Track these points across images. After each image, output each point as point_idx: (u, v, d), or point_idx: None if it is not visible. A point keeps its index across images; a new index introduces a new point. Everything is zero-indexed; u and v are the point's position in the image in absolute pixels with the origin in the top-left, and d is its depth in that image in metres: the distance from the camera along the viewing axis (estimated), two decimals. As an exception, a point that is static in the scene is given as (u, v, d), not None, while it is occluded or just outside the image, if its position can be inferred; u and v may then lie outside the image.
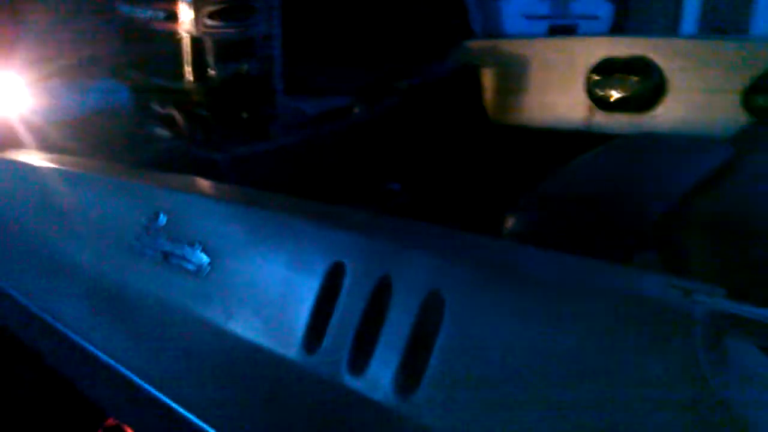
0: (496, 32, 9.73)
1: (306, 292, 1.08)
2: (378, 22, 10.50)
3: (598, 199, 1.34)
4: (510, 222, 1.30)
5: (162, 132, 2.75)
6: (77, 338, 1.54)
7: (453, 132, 3.10)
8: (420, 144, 3.01)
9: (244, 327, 1.15)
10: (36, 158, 1.89)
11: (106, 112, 2.74)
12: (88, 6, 3.00)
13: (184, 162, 2.40)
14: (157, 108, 2.76)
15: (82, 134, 2.40)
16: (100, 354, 1.48)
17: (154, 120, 2.76)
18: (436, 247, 1.03)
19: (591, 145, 2.95)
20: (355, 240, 1.08)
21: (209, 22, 2.61)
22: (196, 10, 2.58)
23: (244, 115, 2.84)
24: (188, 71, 2.67)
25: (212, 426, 1.24)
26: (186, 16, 2.60)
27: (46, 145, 2.14)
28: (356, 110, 3.15)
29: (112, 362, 1.45)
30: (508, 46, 3.29)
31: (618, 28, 10.71)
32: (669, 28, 10.78)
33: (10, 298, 1.76)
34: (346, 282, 1.04)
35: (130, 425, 1.66)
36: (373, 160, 2.87)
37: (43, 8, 2.87)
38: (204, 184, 1.48)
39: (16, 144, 2.06)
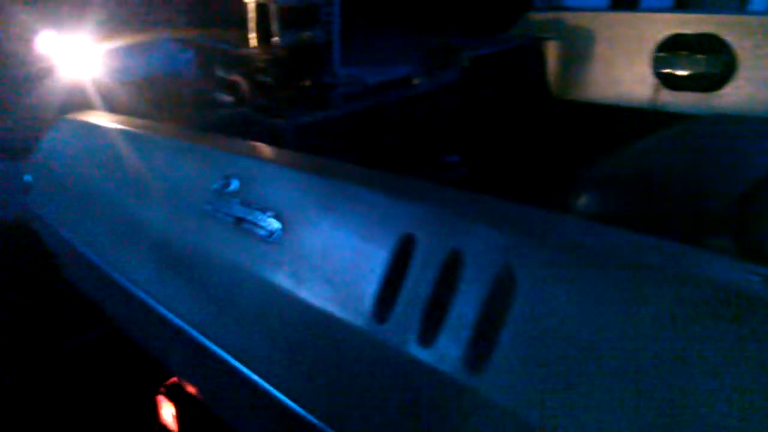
0: (556, 3, 9.56)
1: (376, 262, 1.09)
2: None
3: (673, 180, 1.32)
4: (583, 199, 1.29)
5: (226, 97, 2.78)
6: (145, 297, 1.58)
7: (514, 106, 3.08)
8: (480, 117, 2.99)
9: (314, 294, 1.17)
10: (108, 120, 1.94)
11: (169, 73, 2.79)
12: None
13: (248, 128, 2.43)
14: (221, 73, 2.80)
15: (147, 95, 2.45)
16: (167, 313, 1.52)
17: (218, 85, 2.79)
18: (508, 222, 1.04)
19: (656, 122, 2.91)
20: (426, 212, 1.09)
21: (275, -11, 2.62)
22: (263, -23, 2.59)
23: (306, 82, 2.85)
24: (252, 38, 2.69)
25: (278, 389, 1.27)
26: (252, -18, 2.61)
27: (114, 107, 2.19)
28: (416, 81, 3.14)
29: (178, 321, 1.49)
30: (572, 19, 3.23)
31: (682, 2, 10.44)
32: (737, 3, 10.46)
33: (80, 256, 1.81)
34: (417, 254, 1.05)
35: (194, 384, 1.71)
36: (432, 131, 2.87)
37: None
38: (275, 151, 1.50)
39: (88, 106, 2.11)
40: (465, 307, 0.98)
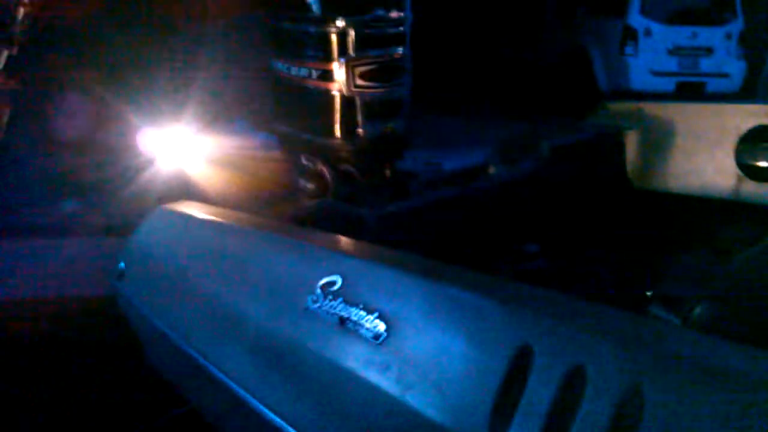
0: (623, 89, 9.60)
1: (492, 372, 1.08)
2: (505, 77, 10.52)
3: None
4: (696, 311, 1.27)
5: (309, 185, 2.84)
6: (241, 391, 1.59)
7: (594, 196, 3.06)
8: (559, 207, 2.98)
9: (423, 401, 1.16)
10: (204, 210, 1.99)
11: (254, 158, 2.87)
12: (243, 63, 3.16)
13: (333, 218, 2.48)
14: (305, 162, 2.86)
15: (235, 181, 2.53)
16: (266, 410, 1.52)
17: (302, 173, 2.85)
18: (635, 337, 1.02)
19: (739, 214, 2.87)
20: (545, 323, 1.08)
21: (361, 81, 2.69)
22: (349, 70, 2.67)
23: (388, 172, 2.90)
24: (337, 128, 2.75)
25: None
26: (339, 75, 2.68)
27: (208, 195, 2.27)
28: (493, 169, 3.16)
29: (278, 420, 1.48)
30: (652, 109, 3.23)
31: (749, 87, 10.38)
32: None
33: (173, 345, 1.84)
34: (535, 367, 1.04)
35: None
36: (512, 220, 2.87)
37: (205, 65, 3.05)
38: (380, 250, 1.52)
39: (184, 195, 2.18)
40: (588, 428, 0.96)
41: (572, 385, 0.99)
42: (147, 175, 2.33)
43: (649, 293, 2.16)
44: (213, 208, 2.02)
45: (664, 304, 2.02)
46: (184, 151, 2.40)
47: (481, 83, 10.58)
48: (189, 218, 2.00)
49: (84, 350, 2.56)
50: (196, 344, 1.78)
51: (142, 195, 2.31)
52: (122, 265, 2.16)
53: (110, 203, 2.52)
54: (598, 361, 0.99)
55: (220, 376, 1.68)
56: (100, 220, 2.60)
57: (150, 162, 2.34)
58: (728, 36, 10.13)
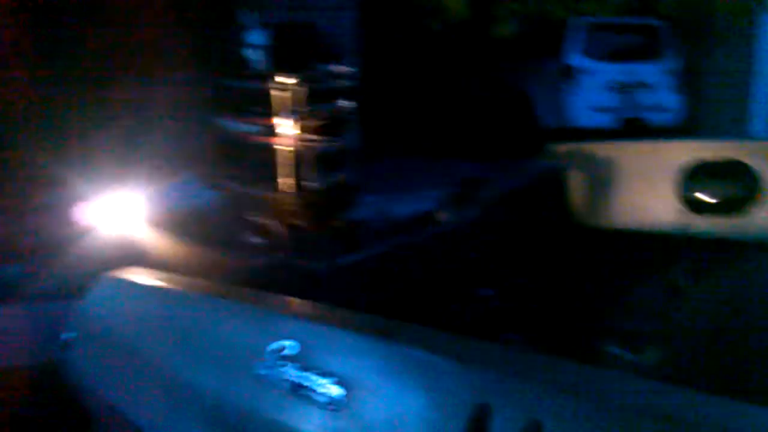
0: (564, 126, 9.80)
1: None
2: (444, 117, 10.67)
3: (746, 331, 1.30)
4: (654, 352, 1.27)
5: (257, 240, 2.81)
6: (197, 464, 1.54)
7: (541, 236, 3.09)
8: (510, 249, 3.00)
9: (384, 466, 1.14)
10: (150, 277, 1.94)
11: (197, 214, 2.83)
12: (186, 120, 3.14)
13: (284, 274, 2.44)
14: (253, 218, 2.84)
15: (180, 241, 2.48)
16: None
17: (250, 229, 2.83)
18: (594, 391, 1.01)
19: (683, 248, 2.92)
20: (504, 380, 1.07)
21: (307, 135, 2.70)
22: (295, 125, 2.67)
23: (337, 224, 2.89)
24: (284, 182, 2.75)
25: None
26: (285, 130, 2.69)
27: (153, 260, 2.22)
28: (443, 215, 3.17)
29: (235, 492, 1.44)
30: (594, 149, 3.29)
31: (687, 119, 10.69)
32: (739, 118, 10.70)
33: (123, 419, 1.78)
34: (494, 426, 1.02)
35: None
36: (464, 265, 2.87)
37: (146, 124, 3.01)
38: (332, 311, 1.49)
39: (129, 260, 2.13)
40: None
41: None
42: (90, 240, 2.28)
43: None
44: (160, 274, 1.97)
45: (623, 343, 2.04)
46: (128, 214, 2.36)
47: (428, 129, 10.72)
48: (136, 286, 1.95)
49: (27, 423, 2.47)
50: (147, 417, 1.72)
51: (84, 261, 2.25)
52: (67, 334, 2.09)
53: (51, 269, 2.45)
54: (557, 416, 0.98)
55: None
56: (40, 286, 2.52)
57: (93, 227, 2.29)
58: (665, 71, 10.45)
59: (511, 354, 1.17)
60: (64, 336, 2.09)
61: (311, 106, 2.69)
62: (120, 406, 1.80)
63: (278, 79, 2.64)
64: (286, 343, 1.38)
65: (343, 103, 2.74)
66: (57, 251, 2.42)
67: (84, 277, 2.08)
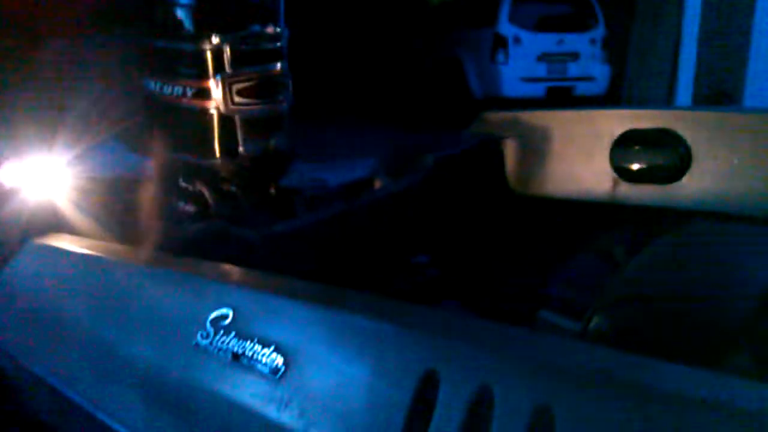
0: (494, 95, 9.89)
1: (397, 401, 1.04)
2: (383, 88, 10.64)
3: (683, 298, 1.32)
4: (594, 321, 1.27)
5: (189, 208, 2.73)
6: (130, 435, 1.49)
7: (477, 204, 3.10)
8: (445, 216, 3.00)
9: (328, 436, 1.11)
10: (79, 244, 1.87)
11: (125, 179, 2.74)
12: (112, 82, 3.02)
13: (217, 241, 2.38)
14: (184, 184, 2.75)
15: (109, 207, 2.39)
16: (158, 454, 1.43)
17: (180, 195, 2.74)
18: (542, 356, 1.01)
19: (616, 216, 2.97)
20: (450, 346, 1.05)
21: (239, 99, 2.61)
22: (226, 87, 2.58)
23: (272, 190, 2.83)
24: (216, 148, 2.66)
25: None
26: (216, 93, 2.59)
27: (80, 225, 2.13)
28: (379, 183, 3.15)
29: (171, 464, 1.40)
30: (529, 117, 3.30)
31: (614, 89, 10.91)
32: (664, 88, 10.97)
33: (55, 391, 1.71)
34: (441, 392, 1.01)
35: None
36: (400, 233, 2.86)
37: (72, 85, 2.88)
38: (272, 278, 1.45)
39: (55, 227, 2.04)
40: (500, 452, 0.93)
41: (480, 408, 0.97)
42: (11, 204, 2.17)
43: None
44: (88, 241, 1.89)
45: (559, 310, 2.06)
46: (52, 179, 2.25)
47: (359, 95, 10.66)
48: (63, 253, 1.87)
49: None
50: (79, 388, 1.66)
51: (6, 226, 2.14)
52: (-12, 306, 2.00)
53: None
54: (504, 381, 0.97)
55: (107, 420, 1.57)
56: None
57: (14, 193, 2.18)
58: (592, 41, 10.62)
59: (455, 320, 1.15)
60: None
61: (242, 68, 2.59)
62: (46, 376, 1.73)
63: (208, 39, 2.54)
64: (223, 311, 1.34)
65: (276, 65, 2.66)
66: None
67: (6, 242, 1.99)
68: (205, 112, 2.61)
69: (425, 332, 1.09)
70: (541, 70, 10.39)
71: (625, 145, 2.98)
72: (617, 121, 3.02)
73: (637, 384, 0.93)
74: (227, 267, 1.56)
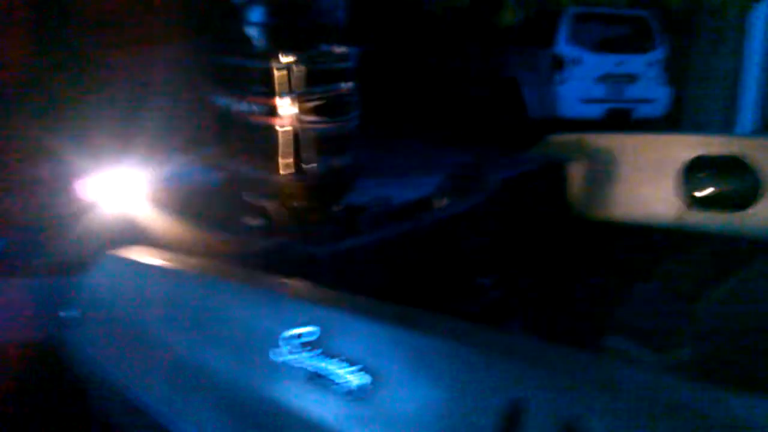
0: (553, 116, 9.83)
1: (481, 428, 1.04)
2: (441, 108, 10.65)
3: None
4: (679, 352, 1.25)
5: (255, 223, 2.77)
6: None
7: (541, 226, 3.08)
8: (509, 238, 2.98)
9: (410, 458, 1.11)
10: (157, 257, 1.90)
11: (200, 196, 2.79)
12: (184, 99, 3.08)
13: (284, 257, 2.41)
14: (250, 200, 2.79)
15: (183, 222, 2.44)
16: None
17: (247, 210, 2.78)
18: (631, 388, 0.99)
19: (682, 243, 2.92)
20: (537, 375, 1.05)
21: (307, 117, 2.64)
22: (295, 106, 2.62)
23: (337, 208, 2.85)
24: (283, 164, 2.69)
25: None
26: (285, 111, 2.63)
27: (157, 238, 2.18)
28: (441, 202, 3.15)
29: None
30: (594, 140, 3.28)
31: (673, 112, 10.74)
32: (725, 112, 10.76)
33: (128, 398, 1.74)
34: (528, 422, 1.00)
35: None
36: (463, 253, 2.85)
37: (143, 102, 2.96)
38: (350, 297, 1.46)
39: (133, 240, 2.09)
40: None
41: None
42: (89, 217, 2.23)
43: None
44: (165, 254, 1.93)
45: (626, 336, 2.03)
46: (126, 192, 2.31)
47: (419, 113, 10.70)
48: (141, 265, 1.91)
49: (25, 399, 2.43)
50: (152, 396, 1.69)
51: (84, 238, 2.20)
52: (67, 312, 2.05)
53: (50, 245, 2.40)
54: (594, 414, 0.96)
55: (178, 429, 1.59)
56: (38, 261, 2.47)
57: (92, 203, 2.24)
58: (653, 63, 10.48)
59: (541, 348, 1.15)
60: (63, 314, 2.05)
61: (312, 87, 2.63)
62: (124, 386, 1.77)
63: (279, 58, 2.58)
64: (302, 328, 1.36)
65: (345, 84, 2.69)
66: (55, 227, 2.37)
67: (84, 254, 2.04)
68: (273, 129, 2.65)
69: (512, 359, 1.09)
70: (599, 91, 10.29)
71: (693, 171, 2.94)
72: (685, 147, 2.98)
73: (730, 418, 0.92)
74: (305, 284, 1.58)
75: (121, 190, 2.31)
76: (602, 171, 3.16)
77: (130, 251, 1.98)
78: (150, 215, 2.33)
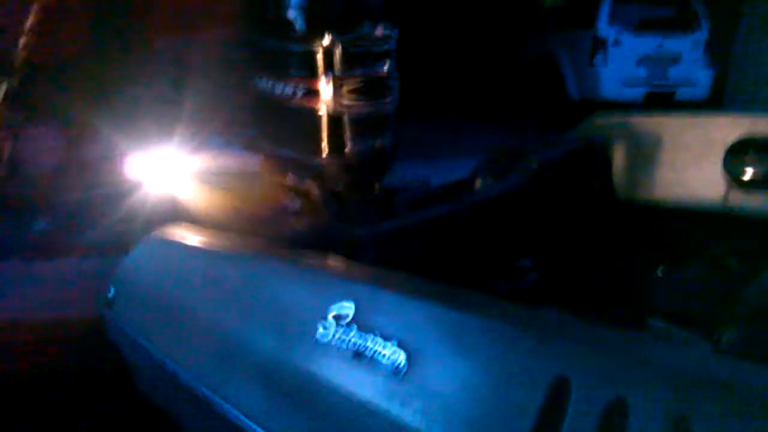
0: (593, 97, 9.68)
1: (525, 407, 1.03)
2: (480, 88, 10.57)
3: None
4: (727, 334, 1.24)
5: (296, 205, 2.79)
6: (250, 424, 1.52)
7: (583, 208, 3.05)
8: (549, 220, 2.96)
9: (452, 436, 1.12)
10: (199, 235, 1.93)
11: (241, 177, 2.81)
12: (224, 81, 3.11)
13: (326, 237, 2.42)
14: (292, 181, 2.81)
15: (224, 203, 2.47)
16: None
17: (288, 192, 2.80)
18: (678, 367, 0.98)
19: (728, 225, 2.87)
20: (582, 352, 1.04)
21: (347, 99, 2.65)
22: (336, 88, 2.62)
23: (376, 189, 2.86)
24: (324, 146, 2.70)
25: None
26: (325, 93, 2.64)
27: (199, 217, 2.20)
28: (480, 183, 3.13)
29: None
30: (638, 121, 3.23)
31: (715, 94, 10.53)
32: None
33: (173, 377, 1.77)
34: (573, 400, 1.00)
35: None
36: (503, 235, 2.84)
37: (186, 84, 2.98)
38: (392, 275, 1.47)
39: (175, 219, 2.12)
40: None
41: (614, 418, 0.95)
42: (134, 196, 2.27)
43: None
44: (207, 232, 1.96)
45: (670, 319, 2.01)
46: (172, 172, 2.34)
47: (457, 93, 10.63)
48: (184, 243, 1.94)
49: (71, 378, 2.48)
50: (197, 375, 1.72)
51: (129, 217, 2.24)
52: (112, 291, 2.09)
53: (96, 225, 2.45)
54: (639, 392, 0.96)
55: (224, 406, 1.62)
56: (84, 241, 2.52)
57: (137, 185, 2.28)
58: (695, 44, 10.28)
59: (584, 326, 1.14)
60: (109, 293, 2.08)
61: (352, 69, 2.63)
62: (167, 363, 1.80)
63: (319, 40, 2.58)
64: (346, 306, 1.37)
65: (384, 66, 2.68)
66: (101, 207, 2.42)
67: (129, 233, 2.07)
68: (314, 111, 2.66)
69: (555, 337, 1.08)
70: (641, 72, 10.12)
71: (739, 152, 2.87)
72: (731, 127, 2.92)
73: None
74: (348, 262, 1.58)
75: (165, 171, 2.34)
76: (646, 152, 3.11)
77: (174, 231, 2.01)
78: (193, 195, 2.36)
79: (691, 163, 2.99)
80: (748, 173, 2.85)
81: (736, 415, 0.90)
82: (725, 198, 2.87)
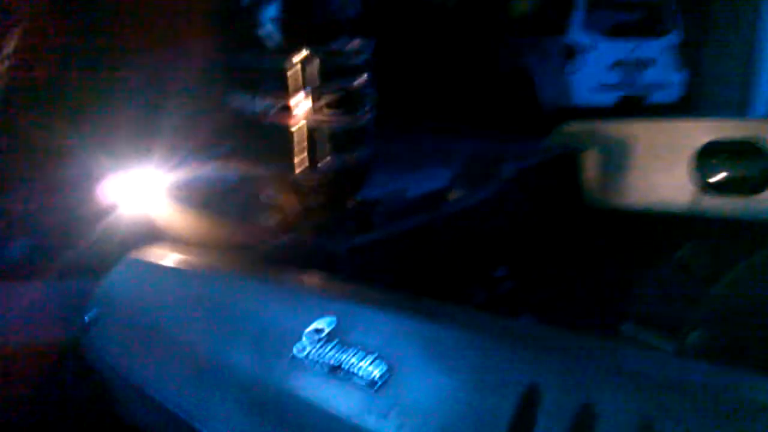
0: (565, 104, 9.77)
1: (498, 414, 1.06)
2: (452, 98, 10.62)
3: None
4: (691, 337, 1.28)
5: (272, 220, 2.80)
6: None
7: (556, 216, 3.09)
8: (523, 228, 3.00)
9: (428, 448, 1.14)
10: (177, 255, 1.94)
11: (217, 195, 2.82)
12: (201, 98, 3.11)
13: (302, 253, 2.44)
14: (267, 197, 2.82)
15: (201, 221, 2.48)
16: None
17: (265, 209, 2.81)
18: (645, 371, 1.02)
19: (697, 228, 2.93)
20: (551, 360, 1.08)
21: (324, 112, 2.67)
22: (312, 102, 2.64)
23: (352, 202, 2.88)
24: (299, 161, 2.72)
25: None
26: (302, 107, 2.66)
27: (177, 237, 2.21)
28: (455, 194, 3.17)
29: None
30: (608, 129, 3.29)
31: (687, 97, 10.67)
32: (739, 96, 10.68)
33: (152, 399, 1.78)
34: (543, 406, 1.03)
35: None
36: (477, 244, 2.87)
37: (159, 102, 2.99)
38: (368, 290, 1.50)
39: (154, 239, 2.13)
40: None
41: (584, 423, 0.98)
42: (110, 217, 2.28)
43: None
44: (187, 251, 1.97)
45: (642, 324, 2.05)
46: (146, 192, 2.35)
47: (431, 102, 10.68)
48: (162, 264, 1.95)
49: (49, 400, 2.47)
50: (176, 396, 1.73)
51: (106, 238, 2.25)
52: (90, 314, 2.09)
53: (72, 247, 2.45)
54: (608, 396, 0.99)
55: (203, 428, 1.63)
56: (61, 263, 2.52)
57: (112, 204, 2.29)
58: (667, 48, 10.40)
59: (555, 334, 1.17)
60: (86, 316, 2.09)
61: (328, 82, 2.65)
62: (147, 387, 1.81)
63: (294, 54, 2.60)
64: (322, 322, 1.39)
65: (360, 78, 2.71)
66: (77, 228, 2.42)
67: (107, 254, 2.08)
68: (289, 126, 2.68)
69: (526, 346, 1.11)
70: (613, 78, 10.24)
71: (707, 156, 2.94)
72: (698, 132, 2.98)
73: (742, 399, 0.94)
74: (324, 277, 1.61)
75: (143, 191, 2.35)
76: (616, 159, 3.17)
77: (152, 251, 2.02)
78: (169, 215, 2.37)
79: (660, 168, 3.05)
80: (716, 176, 2.91)
81: (702, 417, 0.93)
82: (693, 202, 2.92)
